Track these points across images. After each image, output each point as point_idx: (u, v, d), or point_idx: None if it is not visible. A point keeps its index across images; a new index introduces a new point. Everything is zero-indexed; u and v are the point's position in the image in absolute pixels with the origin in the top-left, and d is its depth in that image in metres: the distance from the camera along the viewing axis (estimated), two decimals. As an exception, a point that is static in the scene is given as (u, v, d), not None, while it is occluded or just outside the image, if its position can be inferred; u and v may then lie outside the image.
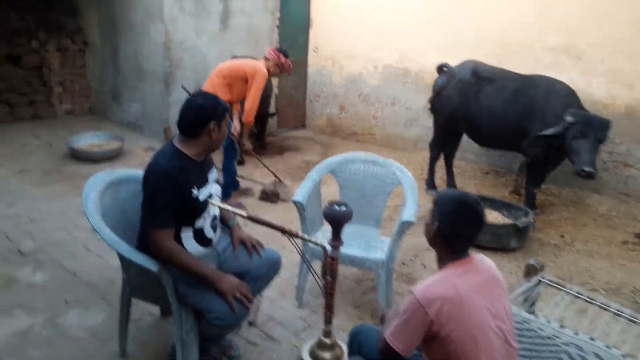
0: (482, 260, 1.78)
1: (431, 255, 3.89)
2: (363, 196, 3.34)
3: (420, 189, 4.45)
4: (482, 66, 4.74)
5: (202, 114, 2.21)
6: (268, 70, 4.35)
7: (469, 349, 1.62)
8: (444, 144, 5.04)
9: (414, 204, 3.00)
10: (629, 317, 2.24)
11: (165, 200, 2.14)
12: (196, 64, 6.10)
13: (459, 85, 4.72)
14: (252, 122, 4.44)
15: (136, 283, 2.40)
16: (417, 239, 4.06)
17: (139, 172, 2.68)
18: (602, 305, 2.31)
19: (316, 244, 2.25)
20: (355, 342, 1.96)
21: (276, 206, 4.70)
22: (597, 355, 2.04)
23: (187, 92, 5.19)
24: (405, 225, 2.86)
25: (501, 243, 3.93)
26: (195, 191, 2.22)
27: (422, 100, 6.20)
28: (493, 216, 4.25)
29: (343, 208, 2.24)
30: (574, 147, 3.97)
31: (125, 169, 2.72)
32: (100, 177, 2.51)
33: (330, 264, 2.32)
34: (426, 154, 5.42)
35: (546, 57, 5.12)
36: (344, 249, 2.52)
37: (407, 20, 6.15)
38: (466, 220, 1.71)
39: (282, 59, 4.39)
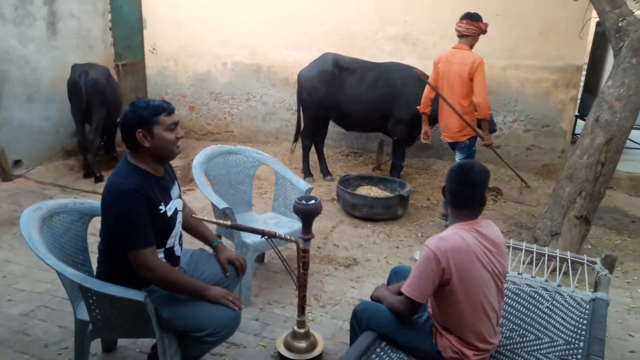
0: (489, 224, 2.04)
1: (339, 235, 4.22)
2: (231, 186, 3.50)
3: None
4: (341, 57, 5.17)
5: (126, 124, 2.09)
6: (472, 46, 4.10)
7: (474, 298, 1.90)
8: (315, 133, 5.38)
9: (294, 174, 3.39)
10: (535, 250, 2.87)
11: (140, 217, 2.02)
12: (25, 76, 5.36)
13: (323, 76, 5.08)
14: (488, 116, 4.07)
15: (105, 321, 2.20)
16: (319, 223, 4.34)
17: (68, 202, 2.46)
18: (514, 246, 2.89)
19: (290, 240, 2.36)
20: (364, 318, 2.11)
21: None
22: (528, 285, 2.59)
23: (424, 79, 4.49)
24: (310, 192, 3.24)
25: (391, 213, 4.45)
26: (162, 207, 2.13)
27: (278, 94, 6.45)
28: (374, 191, 4.76)
29: (312, 202, 2.39)
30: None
31: (53, 201, 2.41)
32: (29, 214, 2.22)
33: (303, 257, 2.46)
34: (288, 145, 5.74)
35: (387, 45, 5.80)
36: (261, 238, 2.50)
37: (253, 15, 6.28)
38: (460, 180, 1.98)
39: (483, 25, 4.04)
